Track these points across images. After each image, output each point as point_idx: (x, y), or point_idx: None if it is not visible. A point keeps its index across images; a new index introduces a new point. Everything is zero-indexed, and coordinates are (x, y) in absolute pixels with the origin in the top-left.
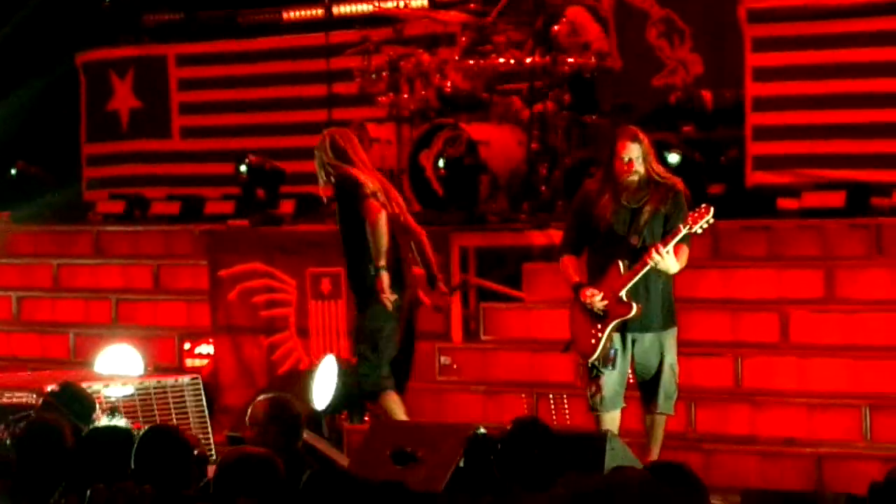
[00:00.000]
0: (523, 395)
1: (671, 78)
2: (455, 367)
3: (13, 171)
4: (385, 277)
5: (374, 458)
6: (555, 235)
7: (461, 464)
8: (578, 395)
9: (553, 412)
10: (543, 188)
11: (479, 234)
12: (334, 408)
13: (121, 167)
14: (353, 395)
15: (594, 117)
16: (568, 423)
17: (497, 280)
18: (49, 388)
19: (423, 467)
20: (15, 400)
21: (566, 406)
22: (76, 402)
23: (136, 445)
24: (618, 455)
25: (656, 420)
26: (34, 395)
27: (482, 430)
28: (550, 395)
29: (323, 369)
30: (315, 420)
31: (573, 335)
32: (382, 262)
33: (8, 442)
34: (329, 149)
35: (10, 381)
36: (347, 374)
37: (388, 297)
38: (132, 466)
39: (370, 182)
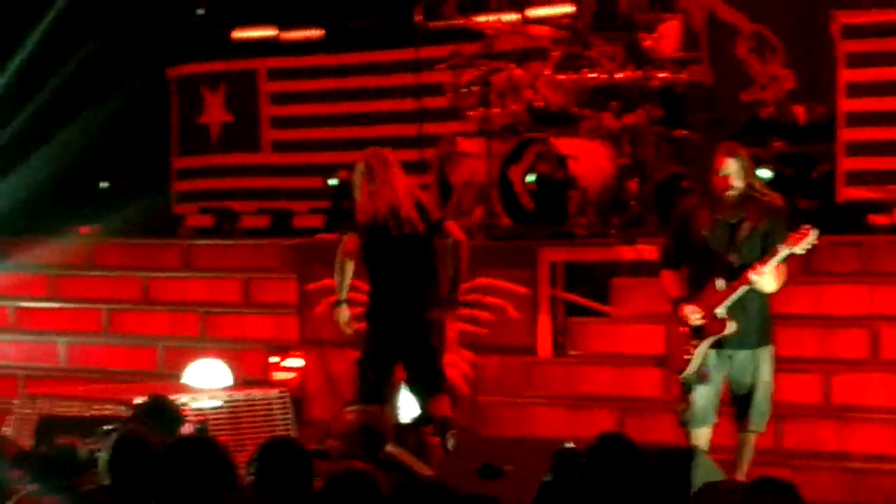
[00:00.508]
0: (609, 411)
1: (762, 93)
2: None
3: (103, 185)
4: (341, 311)
5: (461, 472)
6: (644, 251)
7: (548, 478)
8: (666, 410)
9: (640, 427)
10: (633, 203)
11: (567, 249)
12: (420, 420)
13: (211, 181)
14: None
15: (685, 132)
16: (655, 438)
17: (584, 295)
18: (137, 401)
19: (510, 482)
20: (105, 412)
21: (653, 421)
22: (164, 415)
23: (257, 455)
24: (705, 471)
25: (747, 438)
26: (123, 408)
27: (570, 445)
28: (637, 410)
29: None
30: (400, 433)
31: (668, 350)
32: (338, 297)
33: (99, 454)
34: (361, 171)
35: (98, 393)
36: None
37: (344, 329)
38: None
39: (365, 213)
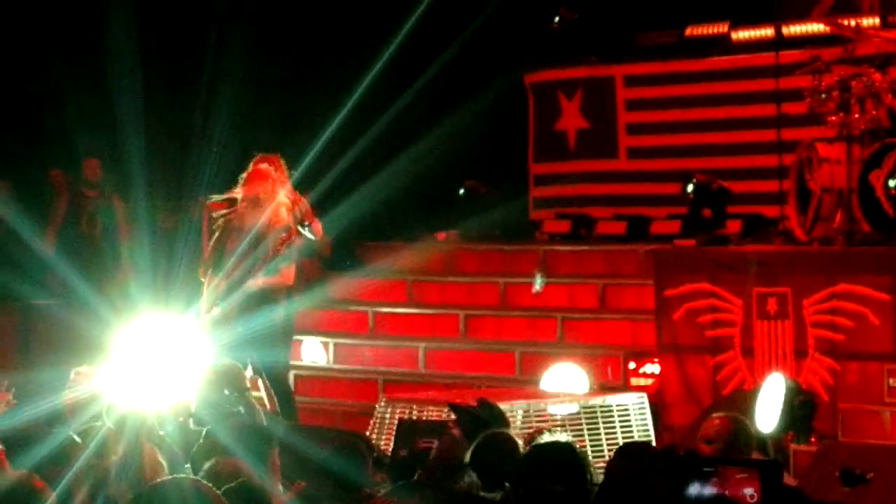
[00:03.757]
0: None
1: None
2: None
3: (461, 190)
4: None
5: (823, 478)
6: None
7: None
8: None
9: None
10: None
11: None
12: (781, 428)
13: (567, 187)
14: (800, 415)
15: None
16: None
17: None
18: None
19: (873, 488)
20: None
21: None
22: (493, 418)
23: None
24: None
25: None
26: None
27: None
28: None
29: (769, 389)
30: (761, 441)
31: None
32: None
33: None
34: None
35: (456, 398)
36: (795, 394)
37: None
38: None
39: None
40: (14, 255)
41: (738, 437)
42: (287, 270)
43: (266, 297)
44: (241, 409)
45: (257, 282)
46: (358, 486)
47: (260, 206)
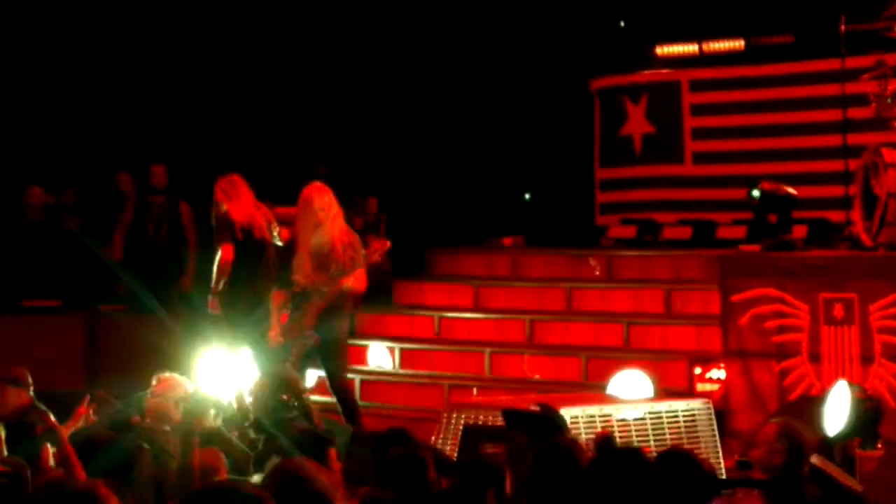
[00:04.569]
0: None
1: None
2: None
3: (527, 195)
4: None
5: (888, 484)
6: None
7: None
8: None
9: None
10: None
11: None
12: (847, 434)
13: (633, 192)
14: (867, 421)
15: None
16: None
17: None
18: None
19: None
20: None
21: None
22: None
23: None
24: None
25: None
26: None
27: None
28: None
29: (835, 395)
30: (826, 446)
31: None
32: None
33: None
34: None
35: (521, 403)
36: (861, 400)
37: None
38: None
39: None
40: (81, 261)
41: (784, 442)
42: (360, 277)
43: (332, 307)
44: (297, 413)
45: (345, 282)
46: (420, 491)
47: (320, 223)
